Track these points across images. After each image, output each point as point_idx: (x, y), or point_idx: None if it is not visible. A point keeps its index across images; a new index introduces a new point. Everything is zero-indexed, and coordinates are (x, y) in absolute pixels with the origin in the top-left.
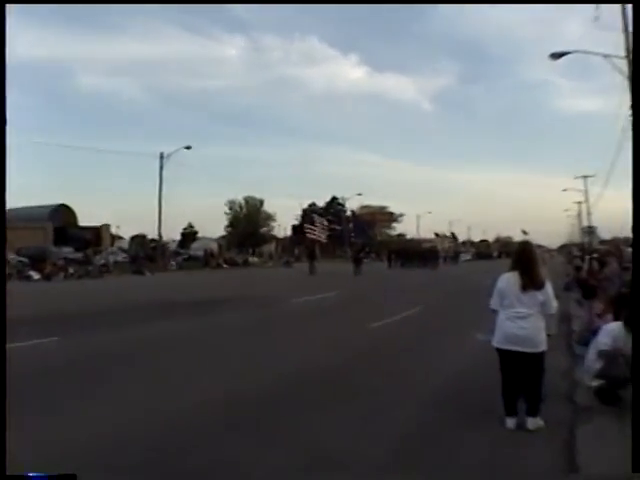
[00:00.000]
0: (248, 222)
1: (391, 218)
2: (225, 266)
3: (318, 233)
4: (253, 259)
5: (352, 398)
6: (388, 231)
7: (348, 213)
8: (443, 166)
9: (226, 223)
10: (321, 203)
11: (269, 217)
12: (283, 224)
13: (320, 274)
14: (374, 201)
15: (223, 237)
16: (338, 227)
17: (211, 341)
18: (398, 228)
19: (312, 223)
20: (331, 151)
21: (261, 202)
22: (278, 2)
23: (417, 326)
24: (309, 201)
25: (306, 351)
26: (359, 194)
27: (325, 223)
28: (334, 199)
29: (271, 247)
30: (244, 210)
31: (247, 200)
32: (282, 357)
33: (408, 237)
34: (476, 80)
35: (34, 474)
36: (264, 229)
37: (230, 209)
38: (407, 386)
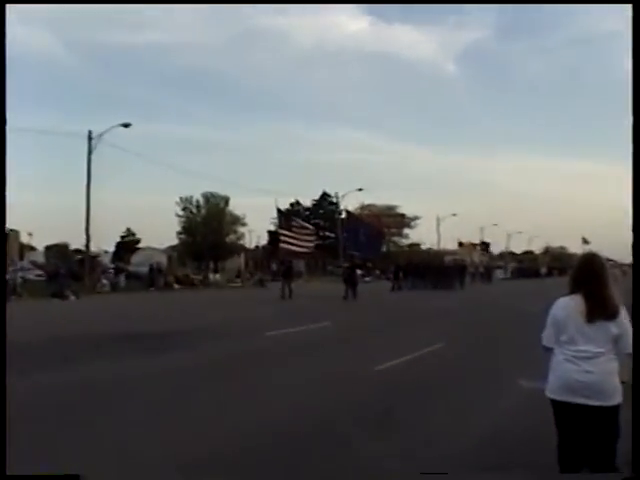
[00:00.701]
0: (208, 228)
1: (402, 222)
2: (177, 286)
3: (298, 242)
4: (215, 277)
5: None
6: (398, 239)
7: (344, 215)
8: (472, 151)
9: (178, 229)
10: (308, 202)
11: (237, 221)
12: (256, 230)
13: (301, 298)
14: (379, 199)
15: (174, 248)
16: (330, 234)
17: (160, 390)
18: (412, 235)
19: (289, 228)
20: (321, 132)
21: (226, 200)
22: None
23: (436, 369)
24: (291, 199)
25: (283, 406)
26: (359, 189)
27: (309, 228)
28: (325, 196)
29: (240, 261)
30: (202, 211)
31: (207, 198)
32: (248, 412)
33: (424, 247)
34: (517, 34)
35: (36, 474)
36: (230, 237)
37: (184, 210)
38: (424, 459)
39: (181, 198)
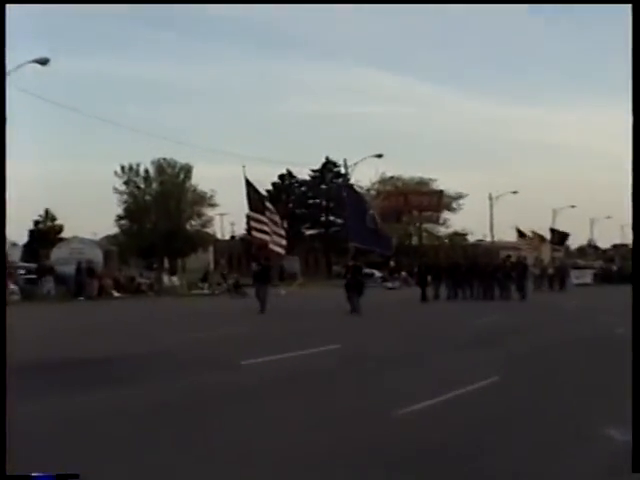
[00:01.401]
0: (162, 210)
1: (440, 202)
2: (117, 294)
3: (272, 235)
4: (172, 281)
5: None
6: (433, 227)
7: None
8: (539, 98)
9: (119, 211)
10: (304, 174)
11: (202, 200)
12: (231, 213)
13: (285, 311)
14: (407, 170)
15: (113, 239)
16: (336, 220)
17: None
18: (453, 221)
19: (262, 211)
20: (325, 73)
21: (187, 171)
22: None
23: (486, 417)
24: (281, 169)
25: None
26: (378, 155)
27: (276, 219)
28: (329, 165)
29: (207, 258)
30: (154, 186)
31: (160, 167)
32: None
33: (472, 239)
34: None
35: (37, 474)
36: (193, 223)
37: (126, 184)
38: None
39: (123, 167)
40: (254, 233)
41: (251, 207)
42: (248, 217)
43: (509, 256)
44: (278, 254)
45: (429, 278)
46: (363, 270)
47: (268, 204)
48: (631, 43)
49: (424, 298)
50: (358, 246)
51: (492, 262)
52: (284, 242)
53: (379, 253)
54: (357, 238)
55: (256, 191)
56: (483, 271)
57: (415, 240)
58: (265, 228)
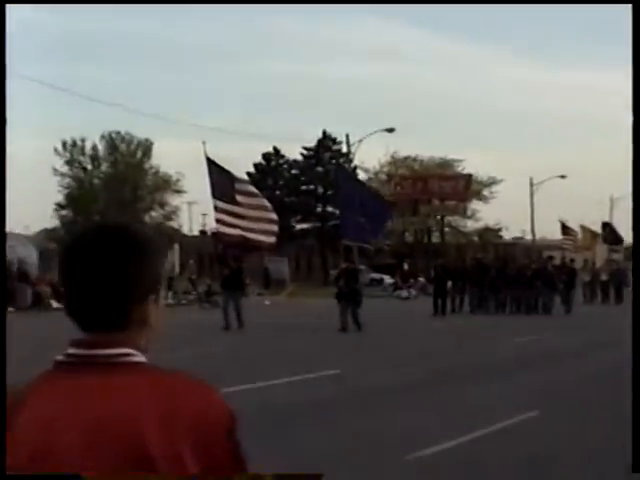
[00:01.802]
0: (114, 197)
1: (466, 189)
2: (57, 304)
3: (248, 224)
4: None
5: None
6: (457, 220)
7: (361, 173)
8: (597, 62)
9: (59, 199)
10: (295, 152)
11: (166, 185)
12: (203, 202)
13: (268, 328)
14: (425, 148)
15: (51, 234)
16: (335, 211)
17: None
18: (484, 213)
19: (231, 198)
20: (320, 22)
21: (146, 149)
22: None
23: (522, 463)
24: (266, 146)
25: None
26: (389, 130)
27: (262, 202)
28: (326, 141)
29: (172, 258)
30: (103, 167)
31: (111, 142)
32: None
33: (507, 236)
34: None
35: (35, 474)
36: (154, 215)
37: (68, 165)
38: None
39: (64, 143)
40: (220, 227)
41: (215, 193)
42: (215, 207)
43: (551, 257)
44: (269, 246)
45: (449, 284)
46: (359, 274)
47: (245, 186)
48: (631, 43)
49: (439, 310)
50: (352, 243)
51: (530, 265)
52: (275, 228)
53: (368, 242)
54: (351, 233)
55: (223, 171)
56: (518, 277)
57: (436, 237)
58: (235, 221)
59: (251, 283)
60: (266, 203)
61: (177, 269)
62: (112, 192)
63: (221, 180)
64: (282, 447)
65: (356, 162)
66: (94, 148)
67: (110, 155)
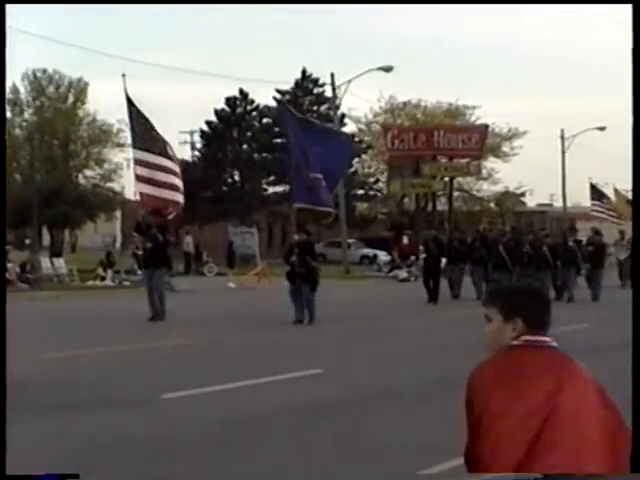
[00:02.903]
0: (40, 154)
1: (481, 143)
2: None
3: (162, 182)
4: (57, 265)
5: None
6: (469, 181)
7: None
8: None
9: None
10: (267, 97)
11: (105, 138)
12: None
13: (227, 318)
14: (429, 92)
15: None
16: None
17: None
18: (504, 174)
19: (154, 148)
20: None
21: (80, 92)
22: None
23: None
24: (230, 89)
25: None
26: (384, 69)
27: (171, 157)
28: (306, 82)
29: (113, 229)
30: (27, 115)
31: (35, 83)
32: None
33: (532, 202)
34: None
35: (36, 473)
36: (90, 175)
37: None
38: None
39: None
40: (140, 186)
41: (136, 142)
42: (134, 161)
43: (573, 229)
44: (169, 212)
45: (443, 263)
46: (315, 249)
47: (155, 133)
48: (631, 43)
49: (432, 297)
50: (305, 206)
51: (543, 239)
52: (180, 198)
53: (322, 210)
54: (302, 194)
55: (142, 116)
56: (532, 254)
57: (442, 203)
58: (159, 177)
59: (210, 259)
60: (173, 166)
61: (118, 243)
62: (37, 146)
63: (142, 126)
64: (258, 463)
65: (343, 109)
66: (14, 91)
67: (35, 100)
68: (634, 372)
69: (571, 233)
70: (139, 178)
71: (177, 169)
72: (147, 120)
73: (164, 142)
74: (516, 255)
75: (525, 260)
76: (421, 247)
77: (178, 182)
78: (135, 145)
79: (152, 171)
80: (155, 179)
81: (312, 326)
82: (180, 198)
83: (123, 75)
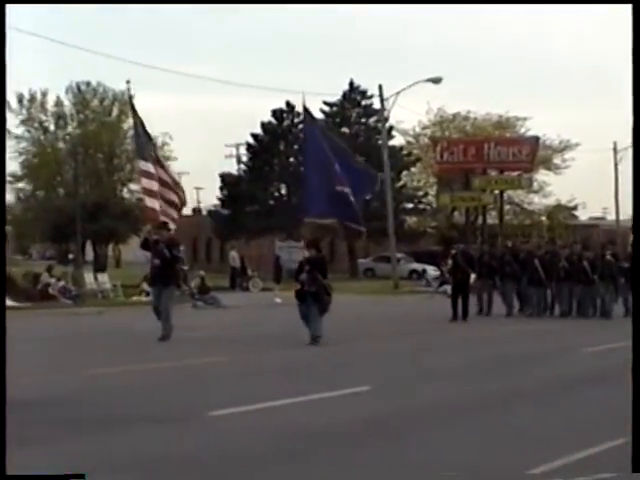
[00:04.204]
0: (84, 167)
1: (532, 156)
2: (11, 303)
3: (166, 196)
4: (101, 281)
5: None
6: (519, 194)
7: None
8: None
9: (15, 168)
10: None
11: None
12: (199, 174)
13: (270, 336)
14: (479, 104)
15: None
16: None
17: None
18: (554, 187)
19: (156, 161)
20: None
21: (125, 104)
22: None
23: None
24: (276, 101)
25: None
26: (434, 80)
27: (170, 175)
28: (354, 94)
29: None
30: (71, 128)
31: (79, 96)
32: None
33: (584, 216)
34: None
35: (40, 474)
36: (135, 189)
37: (26, 124)
38: None
39: (20, 96)
40: (147, 199)
41: (141, 153)
42: (140, 172)
43: (613, 243)
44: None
45: (472, 278)
46: (326, 265)
47: (154, 152)
48: (631, 43)
49: (457, 313)
50: (317, 221)
51: (582, 253)
52: (175, 214)
53: (354, 228)
54: (316, 207)
55: (143, 126)
56: (570, 269)
57: (492, 217)
58: (163, 190)
59: (256, 274)
60: (168, 178)
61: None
62: (81, 160)
63: (145, 138)
64: None
65: (392, 121)
66: (58, 103)
67: (79, 113)
68: (634, 372)
69: (611, 247)
70: (144, 191)
71: (171, 181)
72: (147, 131)
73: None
74: (552, 270)
75: (562, 275)
76: (449, 261)
77: (173, 196)
78: (141, 156)
79: (155, 183)
80: (158, 192)
81: (326, 347)
82: (174, 213)
83: (127, 82)
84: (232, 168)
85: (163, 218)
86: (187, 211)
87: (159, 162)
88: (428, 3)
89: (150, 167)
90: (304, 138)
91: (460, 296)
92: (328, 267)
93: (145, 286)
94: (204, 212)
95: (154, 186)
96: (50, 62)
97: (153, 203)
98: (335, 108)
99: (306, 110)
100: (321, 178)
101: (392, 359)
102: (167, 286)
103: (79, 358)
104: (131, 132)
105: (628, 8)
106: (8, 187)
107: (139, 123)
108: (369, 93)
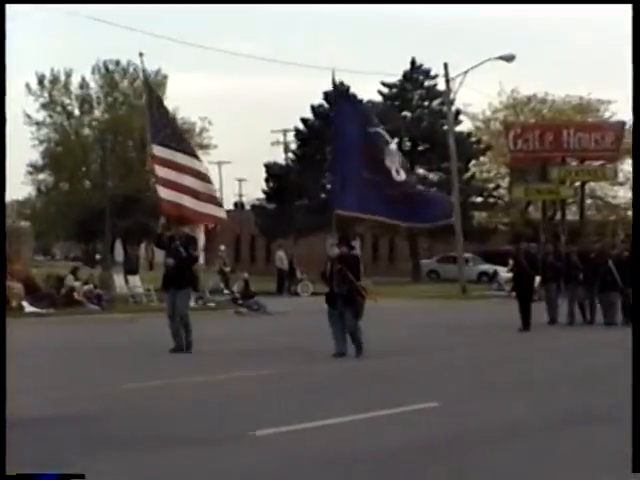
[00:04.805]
0: (113, 157)
1: (618, 143)
2: (31, 308)
3: (190, 187)
4: (133, 284)
5: None
6: (603, 186)
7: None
8: None
9: (36, 157)
10: (369, 90)
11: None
12: (241, 163)
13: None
14: (556, 85)
15: (26, 205)
16: (427, 173)
17: None
18: None
19: (177, 144)
20: None
21: (158, 85)
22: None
23: None
24: (327, 81)
25: None
26: (506, 58)
27: (196, 166)
28: (415, 73)
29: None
30: (98, 113)
31: (107, 77)
32: None
33: None
34: None
35: (39, 472)
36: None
37: (47, 109)
38: None
39: (41, 77)
40: (162, 190)
41: (155, 136)
42: (152, 157)
43: None
44: (212, 223)
45: (536, 281)
46: (360, 264)
47: (181, 133)
48: (631, 43)
49: (526, 325)
50: (346, 213)
51: None
52: (211, 209)
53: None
54: (347, 199)
55: (162, 105)
56: None
57: (572, 212)
58: (179, 179)
59: (305, 277)
60: (199, 167)
61: (202, 258)
62: (110, 148)
63: (164, 119)
64: None
65: (458, 104)
66: (83, 85)
67: (107, 96)
68: (634, 372)
69: None
70: (159, 180)
71: (205, 172)
72: (168, 112)
73: (186, 140)
74: (627, 271)
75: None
76: (510, 261)
77: (203, 189)
78: (154, 140)
79: (174, 172)
80: (177, 182)
81: (380, 359)
82: (210, 209)
83: (141, 54)
84: (279, 157)
85: (198, 217)
86: (228, 205)
87: (186, 150)
88: None
89: (167, 153)
90: (335, 121)
91: (522, 301)
92: (395, 268)
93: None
94: (247, 207)
95: (171, 175)
96: (75, 39)
97: (170, 195)
98: (394, 90)
99: (337, 87)
100: (352, 162)
101: (460, 372)
102: (181, 289)
103: (110, 370)
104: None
105: (628, 8)
106: (28, 179)
107: (155, 102)
108: (433, 73)
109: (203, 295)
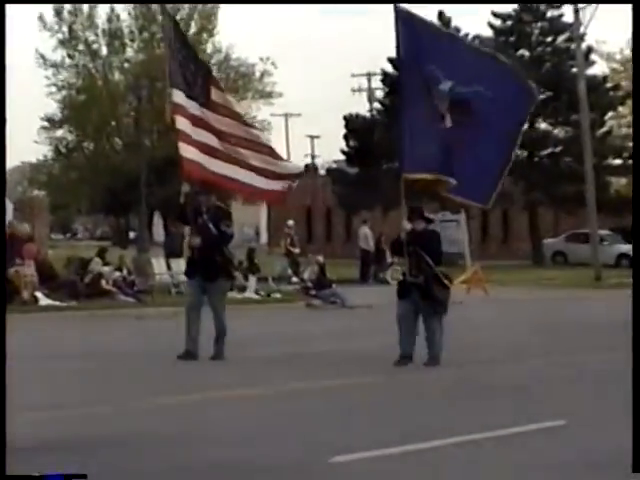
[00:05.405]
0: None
1: None
2: (47, 301)
3: (238, 149)
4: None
5: None
6: None
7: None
8: None
9: (53, 110)
10: (477, 23)
11: (242, 83)
12: (312, 115)
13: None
14: None
15: (39, 170)
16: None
17: None
18: None
19: (207, 92)
20: None
21: (207, 19)
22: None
23: None
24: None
25: None
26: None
27: (255, 133)
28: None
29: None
30: (131, 52)
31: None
32: None
33: None
34: None
35: (39, 473)
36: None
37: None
38: None
39: (58, 9)
40: (182, 147)
41: (174, 81)
42: (174, 105)
43: None
44: (276, 199)
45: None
46: (439, 242)
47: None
48: (631, 43)
49: None
50: (416, 176)
51: None
52: (276, 185)
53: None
54: (418, 159)
55: (187, 46)
56: None
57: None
58: (206, 137)
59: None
60: (251, 131)
61: (264, 236)
62: (145, 97)
63: (189, 61)
64: None
65: (590, 41)
66: (112, 18)
67: (142, 31)
68: (634, 372)
69: None
70: (180, 135)
71: (258, 137)
72: (191, 49)
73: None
74: None
75: None
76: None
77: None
78: (175, 84)
79: (191, 125)
80: (205, 142)
81: (446, 369)
82: (260, 182)
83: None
84: (362, 108)
85: (225, 182)
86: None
87: (228, 103)
88: None
89: (189, 102)
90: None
91: None
92: (510, 250)
93: (239, 277)
94: (321, 171)
95: (189, 128)
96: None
97: (192, 153)
98: (509, 22)
99: (399, 11)
100: (421, 112)
101: (592, 383)
102: (214, 280)
103: (146, 382)
104: (218, 57)
105: (628, 8)
106: (43, 136)
107: (179, 38)
108: (555, 5)
109: (265, 284)
